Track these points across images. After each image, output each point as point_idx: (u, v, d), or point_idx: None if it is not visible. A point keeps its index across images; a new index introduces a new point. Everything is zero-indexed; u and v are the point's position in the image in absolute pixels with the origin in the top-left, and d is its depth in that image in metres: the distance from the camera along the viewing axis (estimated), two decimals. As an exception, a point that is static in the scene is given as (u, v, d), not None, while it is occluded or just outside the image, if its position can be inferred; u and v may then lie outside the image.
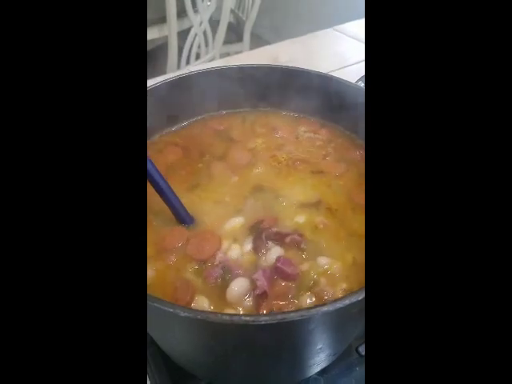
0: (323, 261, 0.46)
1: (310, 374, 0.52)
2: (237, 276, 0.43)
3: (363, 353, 0.58)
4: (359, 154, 0.61)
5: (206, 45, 2.03)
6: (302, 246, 0.47)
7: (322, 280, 0.44)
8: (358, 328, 0.50)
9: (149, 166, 0.42)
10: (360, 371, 0.57)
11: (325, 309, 0.30)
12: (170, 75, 0.61)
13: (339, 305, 0.30)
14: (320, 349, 0.42)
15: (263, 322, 0.29)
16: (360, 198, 0.53)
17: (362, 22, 1.28)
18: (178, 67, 1.91)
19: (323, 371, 0.53)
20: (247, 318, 0.30)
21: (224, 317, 0.29)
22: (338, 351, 0.51)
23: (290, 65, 0.64)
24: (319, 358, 0.46)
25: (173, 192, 0.46)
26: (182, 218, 0.48)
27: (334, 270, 0.45)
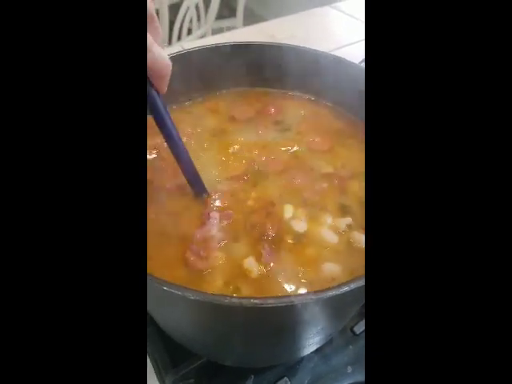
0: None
1: (307, 353, 0.53)
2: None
3: (358, 332, 0.59)
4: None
5: (198, 19, 1.97)
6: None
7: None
8: (358, 306, 0.51)
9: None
10: (353, 349, 0.58)
11: (333, 292, 0.30)
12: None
13: (347, 288, 0.31)
14: (321, 329, 0.42)
15: (270, 305, 0.30)
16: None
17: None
18: (170, 43, 1.85)
19: (317, 349, 0.54)
20: (256, 301, 0.30)
21: (233, 300, 0.29)
22: (336, 330, 0.52)
23: (290, 43, 0.63)
24: (318, 338, 0.47)
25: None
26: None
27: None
